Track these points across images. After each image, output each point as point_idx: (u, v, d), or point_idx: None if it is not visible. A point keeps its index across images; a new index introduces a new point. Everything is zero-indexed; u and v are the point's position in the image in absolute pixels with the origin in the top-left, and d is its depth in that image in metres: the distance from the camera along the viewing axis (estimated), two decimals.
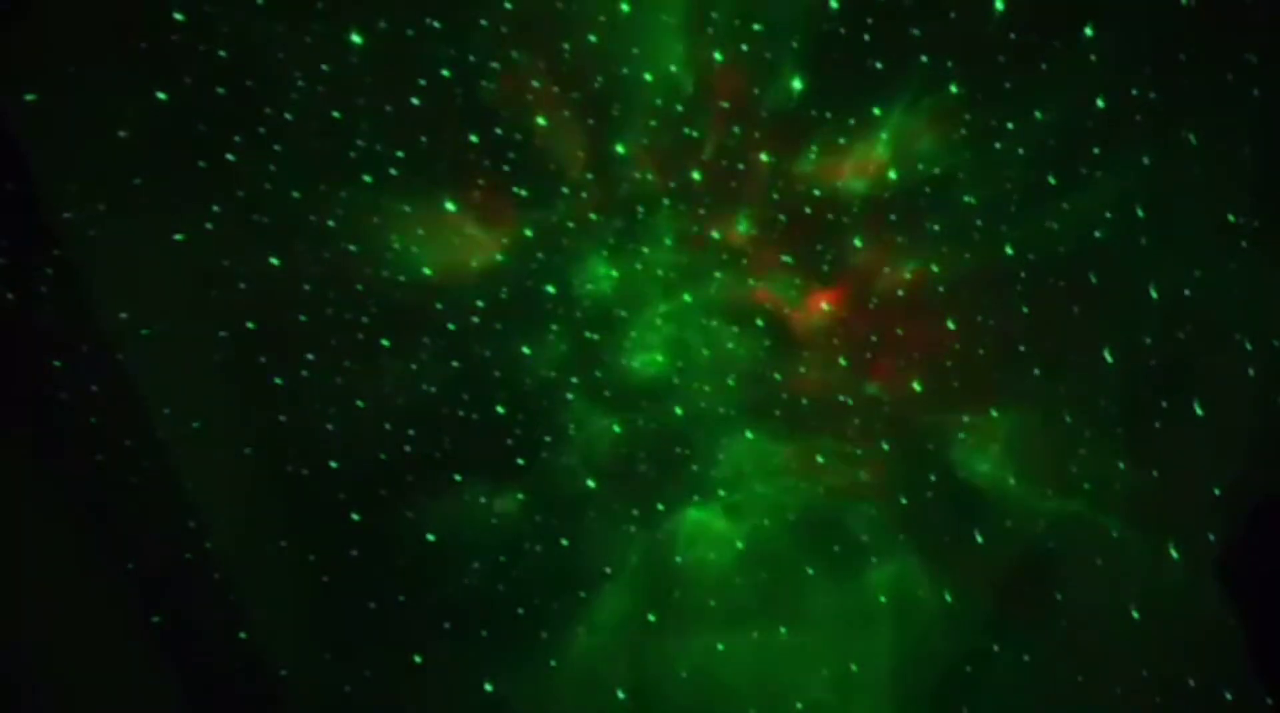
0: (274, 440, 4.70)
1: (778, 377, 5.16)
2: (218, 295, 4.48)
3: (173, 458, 4.13)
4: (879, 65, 4.51)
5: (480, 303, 4.89)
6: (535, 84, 4.55)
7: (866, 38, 4.45)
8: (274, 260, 4.47)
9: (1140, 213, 4.48)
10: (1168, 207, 4.38)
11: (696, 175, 4.81)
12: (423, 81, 4.40)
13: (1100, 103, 4.39)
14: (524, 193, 4.69)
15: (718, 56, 4.58)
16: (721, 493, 5.30)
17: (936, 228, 4.85)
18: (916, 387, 5.09)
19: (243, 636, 4.48)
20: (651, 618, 5.20)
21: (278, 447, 4.71)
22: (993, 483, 5.17)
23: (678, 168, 4.80)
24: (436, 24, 4.28)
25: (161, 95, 4.06)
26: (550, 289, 4.98)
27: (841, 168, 4.82)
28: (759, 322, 5.09)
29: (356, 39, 4.27)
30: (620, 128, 4.71)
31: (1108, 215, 4.57)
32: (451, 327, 4.88)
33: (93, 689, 3.96)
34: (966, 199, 4.75)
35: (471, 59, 4.43)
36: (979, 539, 5.22)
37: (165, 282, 4.26)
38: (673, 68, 4.61)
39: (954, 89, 4.53)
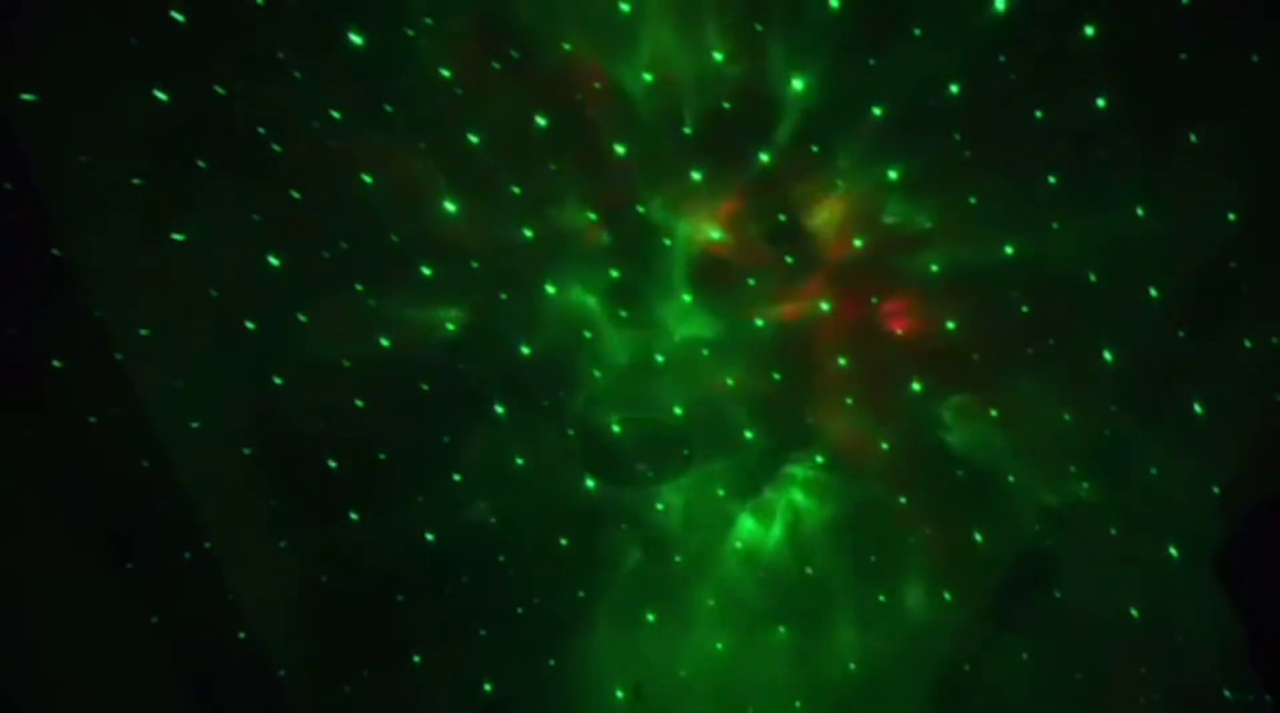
0: (274, 440, 4.70)
1: (777, 376, 5.17)
2: (218, 295, 4.48)
3: (172, 457, 4.12)
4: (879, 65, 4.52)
5: (480, 303, 4.90)
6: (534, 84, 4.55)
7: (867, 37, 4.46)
8: (274, 260, 4.48)
9: (1141, 212, 4.47)
10: (1167, 207, 4.38)
11: (697, 176, 4.82)
12: (422, 82, 4.41)
13: (1100, 102, 4.39)
14: (518, 191, 4.69)
15: (718, 57, 4.58)
16: (722, 493, 5.31)
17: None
18: (916, 387, 5.09)
19: (243, 636, 4.48)
20: (651, 618, 5.21)
21: (278, 446, 4.71)
22: (993, 482, 5.17)
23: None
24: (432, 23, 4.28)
25: (161, 95, 4.06)
26: (550, 290, 4.98)
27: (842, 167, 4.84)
28: (759, 322, 5.09)
29: (356, 39, 4.27)
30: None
31: (1108, 215, 4.58)
32: (451, 327, 4.88)
33: (93, 689, 3.96)
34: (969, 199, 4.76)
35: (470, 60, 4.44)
36: (979, 539, 5.23)
37: (165, 282, 4.26)
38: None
39: (954, 89, 4.53)
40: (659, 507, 5.27)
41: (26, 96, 3.46)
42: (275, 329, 4.55)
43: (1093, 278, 4.65)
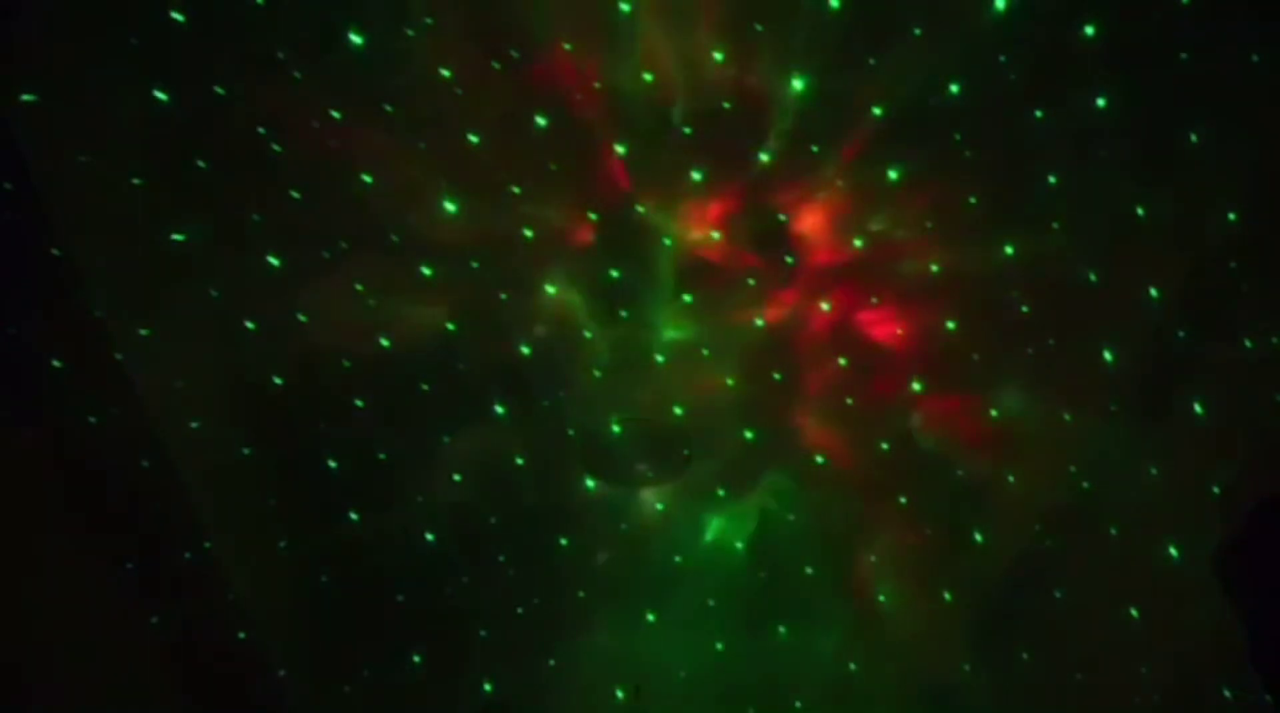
0: (274, 440, 4.70)
1: (778, 376, 5.17)
2: (218, 296, 4.48)
3: (172, 457, 4.12)
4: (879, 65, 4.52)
5: (479, 302, 4.90)
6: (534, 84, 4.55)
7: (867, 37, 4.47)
8: (274, 260, 4.48)
9: (1141, 212, 4.47)
10: (1168, 207, 4.38)
11: (697, 176, 4.82)
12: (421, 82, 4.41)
13: (1101, 102, 4.39)
14: (518, 191, 4.69)
15: (718, 56, 4.58)
16: (721, 493, 5.31)
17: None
18: (916, 386, 5.09)
19: (242, 636, 4.48)
20: (651, 618, 5.21)
21: (278, 446, 4.71)
22: (992, 482, 5.17)
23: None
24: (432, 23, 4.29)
25: (161, 95, 4.06)
26: (550, 289, 4.98)
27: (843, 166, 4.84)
28: (759, 321, 5.09)
29: (356, 39, 4.27)
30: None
31: (1108, 215, 4.57)
32: (450, 327, 4.88)
33: (93, 689, 3.96)
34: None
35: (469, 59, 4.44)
36: (979, 539, 5.23)
37: (165, 282, 4.26)
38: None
39: (954, 89, 4.53)
40: (659, 507, 5.28)
41: (26, 97, 3.46)
42: (275, 329, 4.55)
43: (1093, 278, 4.65)
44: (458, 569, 5.04)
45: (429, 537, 4.96)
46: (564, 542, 5.17)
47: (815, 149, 4.73)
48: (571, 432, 5.10)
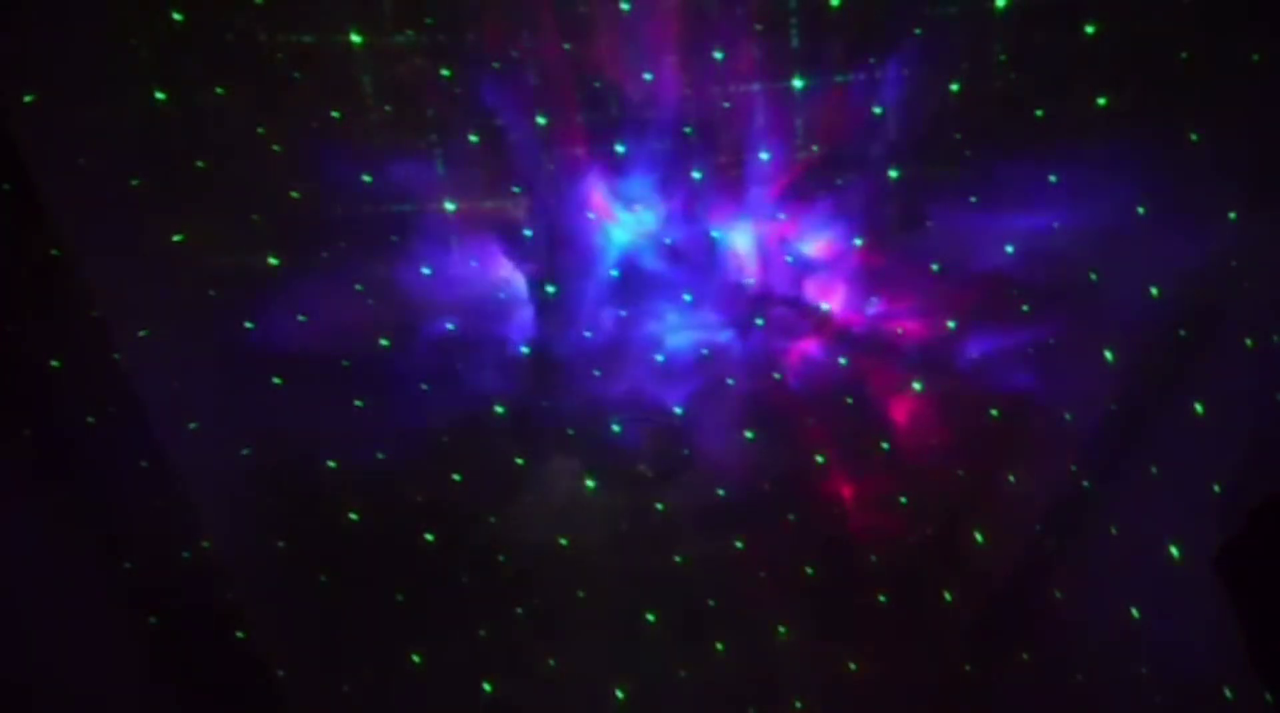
0: (273, 440, 4.70)
1: (777, 376, 5.17)
2: (217, 295, 4.49)
3: (172, 458, 4.12)
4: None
5: (479, 302, 4.90)
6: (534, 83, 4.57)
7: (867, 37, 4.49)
8: (273, 260, 4.48)
9: (1141, 212, 4.47)
10: (1169, 205, 4.37)
11: (697, 175, 4.83)
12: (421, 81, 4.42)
13: (1101, 102, 4.39)
14: (518, 191, 4.70)
15: (718, 55, 4.59)
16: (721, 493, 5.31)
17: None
18: (916, 386, 5.09)
19: (242, 635, 4.48)
20: (650, 618, 5.21)
21: (277, 447, 4.72)
22: (992, 482, 5.17)
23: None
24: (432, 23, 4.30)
25: (161, 95, 4.07)
26: (550, 289, 4.98)
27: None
28: (759, 321, 5.09)
29: (356, 39, 4.27)
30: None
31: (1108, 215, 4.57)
32: (450, 326, 4.88)
33: (92, 689, 3.96)
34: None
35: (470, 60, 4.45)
36: (979, 539, 5.23)
37: (165, 282, 4.27)
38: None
39: (954, 88, 4.54)
40: (658, 507, 5.27)
41: (27, 97, 3.46)
42: (274, 329, 4.56)
43: (1093, 278, 4.65)
44: (459, 570, 5.05)
45: (429, 537, 4.97)
46: (564, 542, 5.18)
47: (815, 148, 4.75)
48: (571, 432, 5.10)
